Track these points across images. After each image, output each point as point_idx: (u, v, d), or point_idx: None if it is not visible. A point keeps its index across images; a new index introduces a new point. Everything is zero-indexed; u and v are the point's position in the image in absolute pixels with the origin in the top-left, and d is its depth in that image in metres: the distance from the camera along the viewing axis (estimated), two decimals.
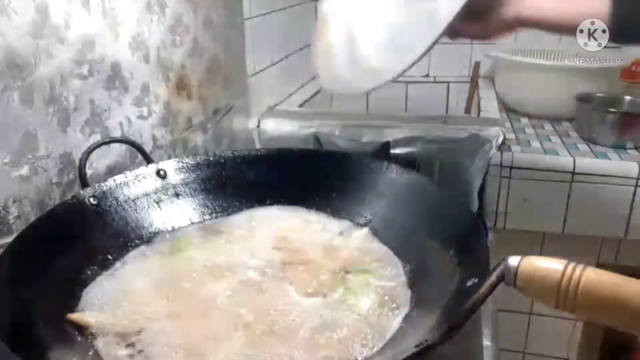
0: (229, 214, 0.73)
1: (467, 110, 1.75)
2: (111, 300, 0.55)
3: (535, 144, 1.28)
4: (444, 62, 1.86)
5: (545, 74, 1.42)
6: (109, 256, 0.62)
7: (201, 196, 0.73)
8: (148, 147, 0.84)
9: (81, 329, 0.51)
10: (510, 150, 1.21)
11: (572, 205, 1.21)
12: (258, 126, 1.35)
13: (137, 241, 0.65)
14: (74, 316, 0.51)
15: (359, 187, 0.71)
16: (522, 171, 1.21)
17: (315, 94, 1.77)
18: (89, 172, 0.68)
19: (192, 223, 0.71)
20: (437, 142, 1.14)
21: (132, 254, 0.64)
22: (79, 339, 0.50)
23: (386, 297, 0.56)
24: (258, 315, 0.54)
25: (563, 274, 0.40)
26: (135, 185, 0.68)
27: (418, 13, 0.63)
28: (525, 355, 1.49)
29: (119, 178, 0.67)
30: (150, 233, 0.67)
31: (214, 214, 0.72)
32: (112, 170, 0.76)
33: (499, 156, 1.17)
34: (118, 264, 0.62)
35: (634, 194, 1.17)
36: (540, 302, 0.42)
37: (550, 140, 1.31)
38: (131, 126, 0.81)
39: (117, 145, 0.77)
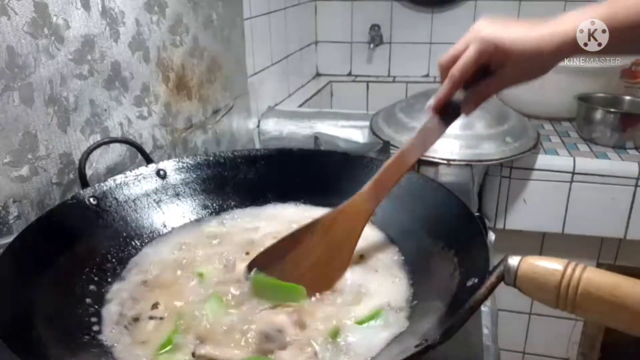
0: (228, 214, 0.73)
1: None
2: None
3: None
4: None
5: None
6: (109, 256, 0.62)
7: (201, 196, 0.73)
8: (148, 147, 0.85)
9: (81, 328, 0.51)
10: None
11: (572, 205, 1.21)
12: (258, 126, 1.35)
13: (136, 241, 0.65)
14: None
15: (359, 187, 0.71)
16: (522, 171, 1.22)
17: (316, 93, 1.77)
18: (89, 172, 0.69)
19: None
20: None
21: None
22: (79, 339, 0.50)
23: (386, 297, 0.56)
24: None
25: (563, 274, 0.40)
26: (135, 185, 0.68)
27: None
28: (525, 355, 1.49)
29: (119, 178, 0.67)
30: (150, 233, 0.67)
31: (214, 214, 0.72)
32: (112, 170, 0.76)
33: None
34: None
35: (634, 194, 1.17)
36: (540, 302, 0.42)
37: (550, 140, 1.31)
38: (131, 126, 0.81)
39: (117, 145, 0.77)
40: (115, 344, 0.51)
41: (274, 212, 0.73)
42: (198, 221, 0.71)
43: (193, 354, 0.48)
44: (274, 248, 0.60)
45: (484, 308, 0.73)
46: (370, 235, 0.67)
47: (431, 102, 0.61)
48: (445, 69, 0.60)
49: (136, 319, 0.54)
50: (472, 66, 0.58)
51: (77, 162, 0.67)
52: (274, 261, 0.58)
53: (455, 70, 0.59)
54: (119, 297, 0.57)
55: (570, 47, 0.56)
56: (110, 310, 0.55)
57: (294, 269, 0.57)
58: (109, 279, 0.59)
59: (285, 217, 0.71)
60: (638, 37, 0.56)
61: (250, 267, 0.58)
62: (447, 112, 0.61)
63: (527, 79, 0.60)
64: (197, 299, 0.56)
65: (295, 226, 0.62)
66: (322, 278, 0.57)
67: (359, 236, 0.59)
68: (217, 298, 0.55)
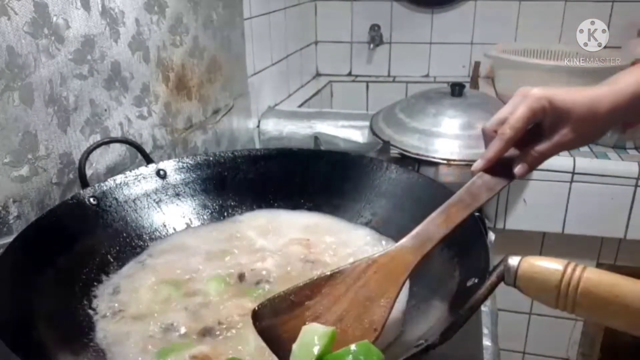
0: (228, 215, 0.73)
1: None
2: None
3: None
4: (444, 62, 1.86)
5: (545, 74, 1.42)
6: (109, 256, 0.62)
7: (201, 196, 0.73)
8: (148, 147, 0.85)
9: (81, 327, 0.51)
10: None
11: (572, 205, 1.21)
12: (258, 126, 1.35)
13: (137, 241, 0.65)
14: None
15: (359, 187, 0.71)
16: None
17: (316, 94, 1.77)
18: (89, 172, 0.69)
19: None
20: None
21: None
22: (79, 339, 0.50)
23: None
24: None
25: (563, 274, 0.40)
26: (135, 185, 0.68)
27: None
28: (525, 355, 1.49)
29: (119, 178, 0.67)
30: (150, 233, 0.67)
31: (214, 214, 0.72)
32: (112, 170, 0.76)
33: None
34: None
35: (634, 194, 1.17)
36: (540, 302, 0.42)
37: None
38: (131, 126, 0.81)
39: (117, 145, 0.77)
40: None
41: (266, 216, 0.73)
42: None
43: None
44: (280, 299, 0.48)
45: (484, 308, 0.73)
46: (369, 235, 0.67)
47: (478, 163, 0.56)
48: (489, 134, 0.57)
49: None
50: (525, 124, 0.54)
51: (77, 162, 0.67)
52: (283, 314, 0.48)
53: (507, 127, 0.54)
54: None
55: (624, 105, 0.55)
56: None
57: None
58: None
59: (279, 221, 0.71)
60: None
61: (255, 318, 0.47)
62: (497, 172, 0.56)
63: (581, 140, 0.57)
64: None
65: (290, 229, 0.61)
66: (346, 336, 0.46)
67: (397, 291, 0.48)
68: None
